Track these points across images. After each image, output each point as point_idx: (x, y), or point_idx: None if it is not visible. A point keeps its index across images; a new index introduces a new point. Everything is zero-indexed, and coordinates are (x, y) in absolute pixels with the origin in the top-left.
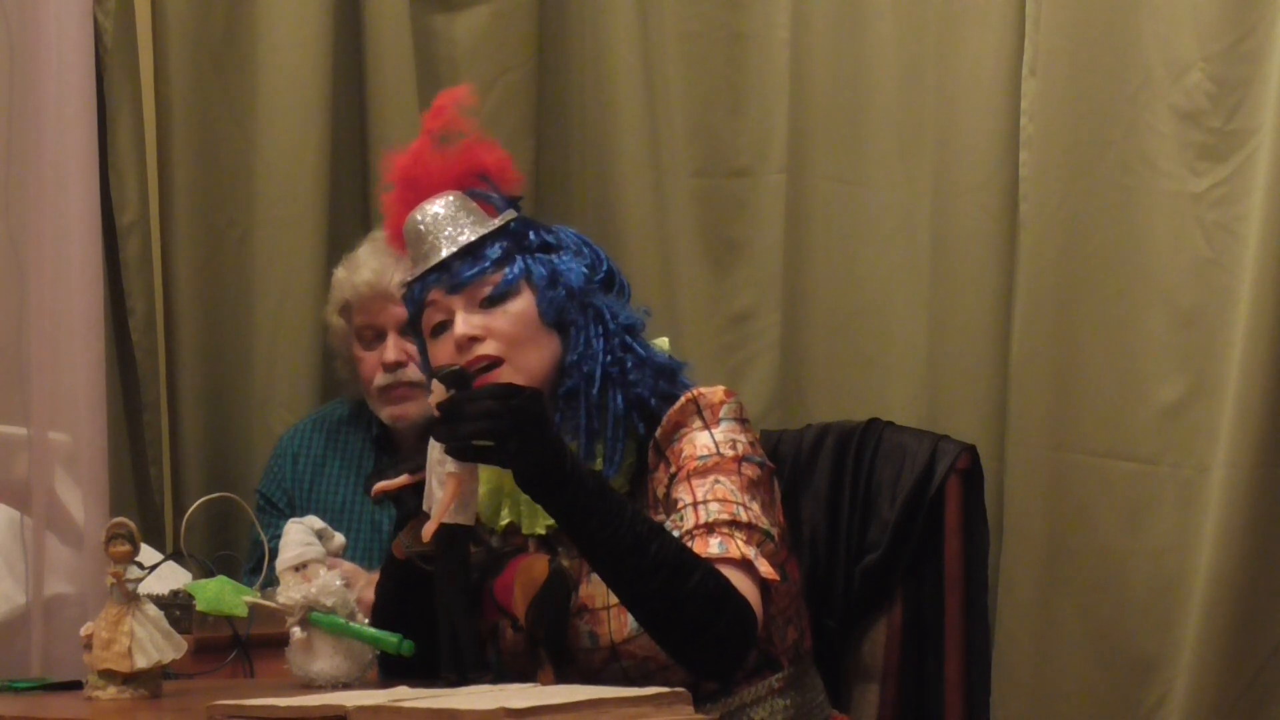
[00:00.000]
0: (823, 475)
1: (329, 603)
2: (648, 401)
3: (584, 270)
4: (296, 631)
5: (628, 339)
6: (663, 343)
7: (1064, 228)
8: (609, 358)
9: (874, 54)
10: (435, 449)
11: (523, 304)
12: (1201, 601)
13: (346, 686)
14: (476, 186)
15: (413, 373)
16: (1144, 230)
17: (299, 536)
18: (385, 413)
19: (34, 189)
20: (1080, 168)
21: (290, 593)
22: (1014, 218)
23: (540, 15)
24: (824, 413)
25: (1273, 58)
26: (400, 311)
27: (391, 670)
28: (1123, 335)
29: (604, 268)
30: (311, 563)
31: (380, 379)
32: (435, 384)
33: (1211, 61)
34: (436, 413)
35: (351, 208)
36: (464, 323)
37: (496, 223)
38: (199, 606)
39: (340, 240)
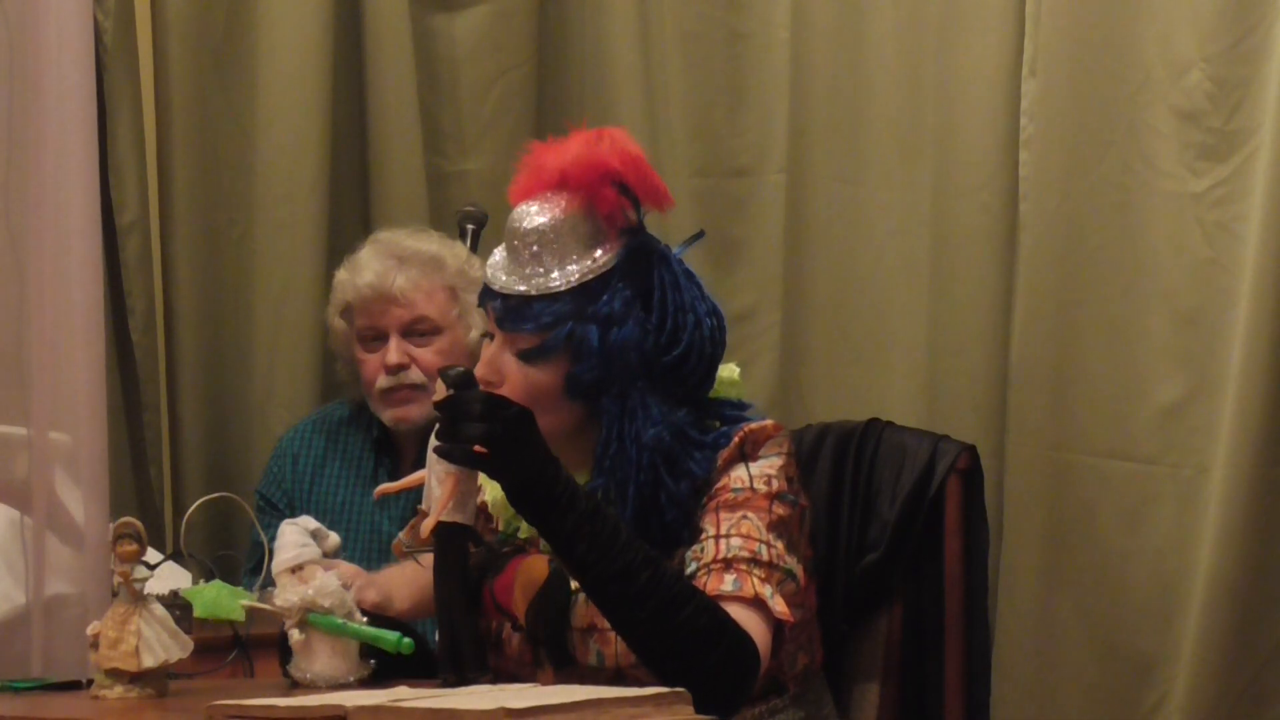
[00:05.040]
0: (823, 475)
1: (326, 603)
2: (681, 530)
3: (645, 351)
4: (295, 634)
5: (657, 461)
6: (731, 373)
7: (1064, 228)
8: (642, 476)
9: (874, 54)
10: None
11: (550, 374)
12: (1201, 601)
13: (346, 687)
14: (609, 192)
15: (415, 375)
16: (1144, 230)
17: (294, 538)
18: (387, 415)
19: (34, 189)
20: (1080, 168)
21: (287, 595)
22: (1014, 218)
23: (540, 15)
24: (824, 412)
25: (1273, 58)
26: (402, 313)
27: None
28: (1123, 335)
29: (678, 350)
30: (308, 564)
31: (382, 381)
32: (439, 382)
33: (1211, 61)
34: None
35: (351, 208)
36: (485, 364)
37: (593, 264)
38: (196, 612)
39: (340, 240)
